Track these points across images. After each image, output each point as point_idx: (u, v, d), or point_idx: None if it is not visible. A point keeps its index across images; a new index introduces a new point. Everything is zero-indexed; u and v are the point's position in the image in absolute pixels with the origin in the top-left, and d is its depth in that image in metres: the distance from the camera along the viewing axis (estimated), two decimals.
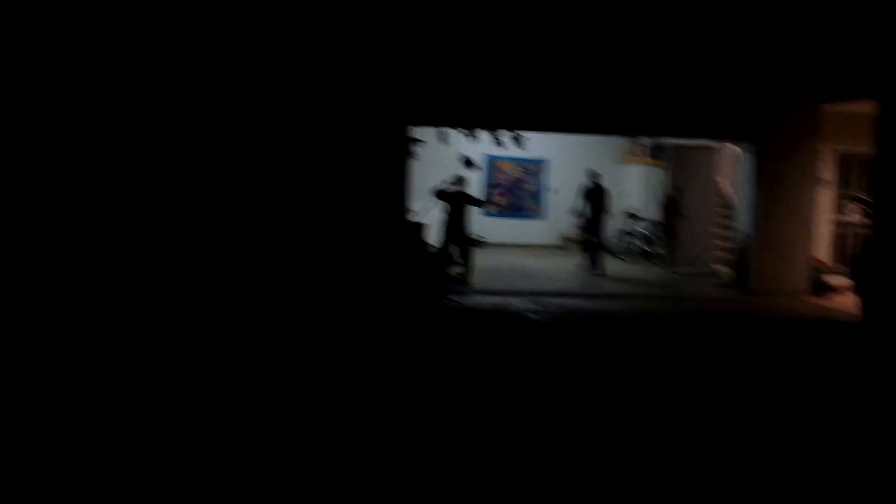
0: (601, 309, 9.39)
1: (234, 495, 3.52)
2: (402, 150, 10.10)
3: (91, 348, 3.80)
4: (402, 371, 4.96)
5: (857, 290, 8.63)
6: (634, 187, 15.57)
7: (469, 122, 10.39)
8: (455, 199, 10.98)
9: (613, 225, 15.12)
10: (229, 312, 3.99)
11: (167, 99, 3.99)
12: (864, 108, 10.60)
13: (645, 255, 14.18)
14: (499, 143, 10.56)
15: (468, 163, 11.17)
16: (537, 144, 15.82)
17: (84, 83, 3.63)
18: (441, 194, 11.17)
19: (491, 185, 16.08)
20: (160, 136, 4.03)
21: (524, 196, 16.25)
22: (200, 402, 3.79)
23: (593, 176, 12.58)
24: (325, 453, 3.77)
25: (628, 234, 14.65)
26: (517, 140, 10.46)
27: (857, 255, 8.87)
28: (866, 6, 8.90)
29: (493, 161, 15.84)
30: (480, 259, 13.70)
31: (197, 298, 4.00)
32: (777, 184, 10.71)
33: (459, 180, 11.09)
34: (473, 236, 11.55)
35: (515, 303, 9.53)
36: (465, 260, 11.01)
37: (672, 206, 12.89)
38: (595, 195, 12.48)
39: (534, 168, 16.16)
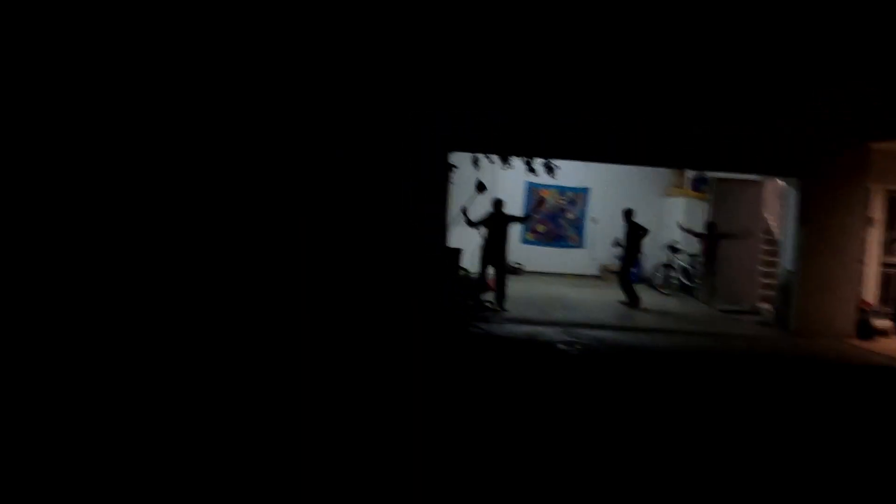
0: (634, 343, 9.21)
1: (233, 495, 3.51)
2: (443, 176, 10.13)
3: (94, 347, 3.86)
4: (401, 384, 4.95)
5: None
6: (677, 219, 15.33)
7: (508, 149, 10.38)
8: (495, 222, 10.94)
9: (655, 257, 14.91)
10: (232, 313, 4.04)
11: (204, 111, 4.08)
12: None
13: (686, 289, 13.91)
14: (531, 170, 10.52)
15: (480, 187, 11.11)
16: (579, 173, 15.73)
17: (87, 85, 3.70)
18: (481, 218, 11.16)
19: (531, 212, 16.00)
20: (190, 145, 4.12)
21: (564, 225, 16.13)
22: (202, 402, 3.80)
23: (627, 214, 12.41)
24: (322, 457, 3.75)
25: (669, 267, 14.40)
26: (550, 168, 10.40)
27: None
28: None
29: (533, 189, 15.78)
30: (517, 287, 13.61)
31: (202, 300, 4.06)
32: (823, 221, 10.42)
33: (498, 202, 11.06)
34: (511, 263, 11.37)
35: (547, 333, 9.42)
36: (501, 286, 10.93)
37: (713, 239, 12.61)
38: (630, 233, 12.32)
39: (575, 197, 16.05)
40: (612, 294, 12.85)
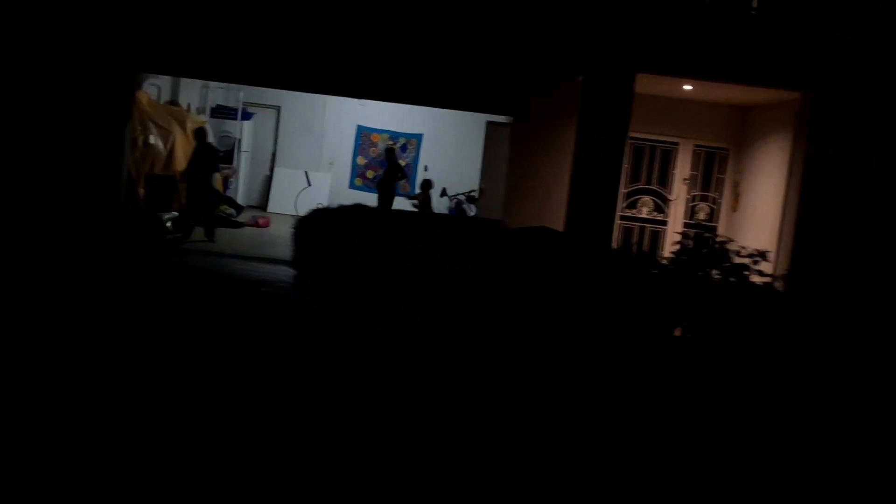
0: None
1: None
2: (125, 100, 9.85)
3: None
4: None
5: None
6: None
7: (203, 72, 10.08)
8: (200, 154, 10.68)
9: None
10: None
11: None
12: (661, 90, 9.45)
13: None
14: None
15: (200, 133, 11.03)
16: (412, 118, 15.20)
17: None
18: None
19: (360, 157, 15.60)
20: None
21: None
22: None
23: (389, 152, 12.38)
24: None
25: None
26: None
27: None
28: None
29: (363, 132, 15.37)
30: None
31: None
32: (530, 165, 9.74)
33: (201, 132, 10.78)
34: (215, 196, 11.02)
35: (208, 264, 9.24)
36: (209, 219, 10.71)
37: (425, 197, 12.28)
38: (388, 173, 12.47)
39: (407, 143, 15.53)
40: None
